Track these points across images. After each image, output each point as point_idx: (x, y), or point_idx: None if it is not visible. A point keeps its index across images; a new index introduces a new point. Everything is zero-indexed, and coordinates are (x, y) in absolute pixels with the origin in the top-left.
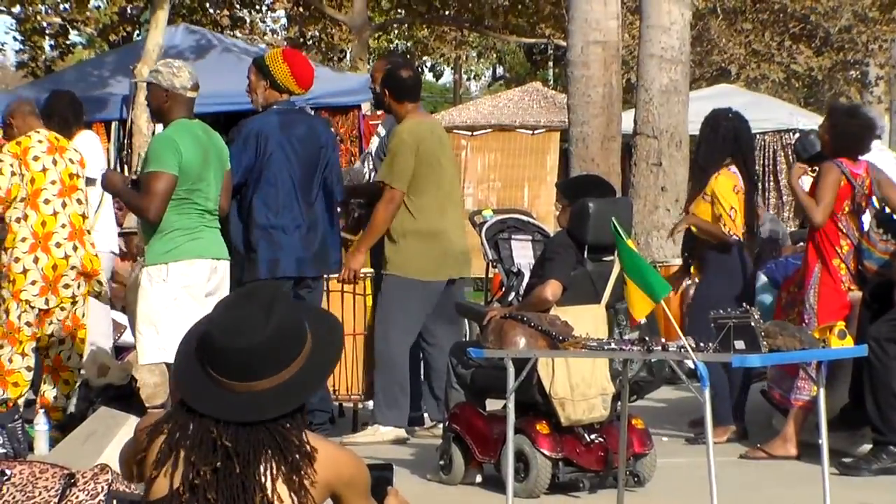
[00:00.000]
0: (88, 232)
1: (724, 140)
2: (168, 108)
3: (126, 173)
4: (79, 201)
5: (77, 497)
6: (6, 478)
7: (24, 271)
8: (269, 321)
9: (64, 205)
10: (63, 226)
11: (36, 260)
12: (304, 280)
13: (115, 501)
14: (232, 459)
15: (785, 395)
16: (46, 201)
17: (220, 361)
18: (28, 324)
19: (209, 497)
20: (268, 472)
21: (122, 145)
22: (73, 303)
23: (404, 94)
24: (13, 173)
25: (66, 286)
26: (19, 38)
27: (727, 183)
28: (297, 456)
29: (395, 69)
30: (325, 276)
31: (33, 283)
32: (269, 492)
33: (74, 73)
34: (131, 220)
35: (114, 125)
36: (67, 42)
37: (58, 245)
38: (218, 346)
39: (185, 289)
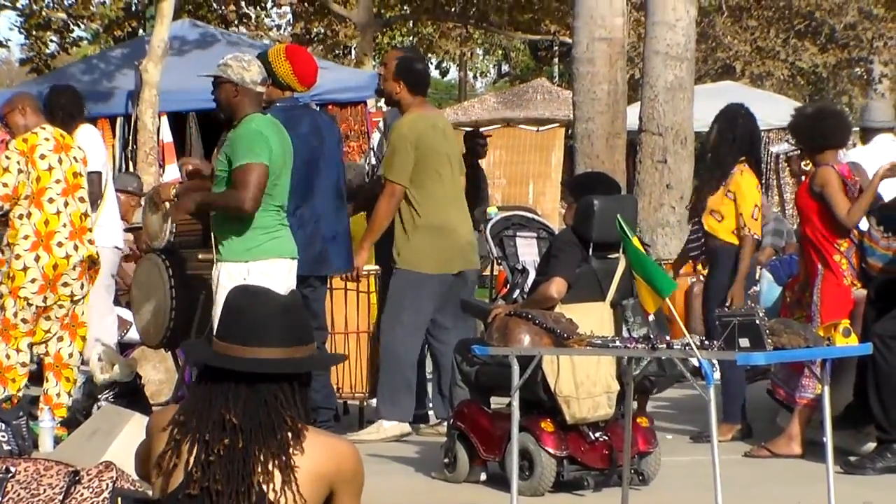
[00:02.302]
0: (89, 230)
1: (741, 139)
2: (238, 102)
3: (131, 169)
4: (81, 199)
5: (82, 494)
6: (11, 475)
7: (25, 269)
8: (285, 296)
9: (66, 204)
10: (65, 225)
11: (37, 258)
12: (308, 279)
13: (119, 499)
14: (237, 436)
15: (790, 393)
16: (50, 200)
17: (236, 326)
18: (24, 320)
19: (215, 488)
20: (265, 449)
21: (126, 141)
22: (73, 301)
23: (418, 85)
24: (20, 171)
25: (66, 284)
26: (23, 33)
27: (752, 181)
28: (285, 432)
29: (411, 60)
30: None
31: (33, 280)
32: (266, 471)
33: (79, 68)
34: (136, 216)
35: (119, 121)
36: (72, 37)
37: (59, 244)
38: (237, 312)
39: None
